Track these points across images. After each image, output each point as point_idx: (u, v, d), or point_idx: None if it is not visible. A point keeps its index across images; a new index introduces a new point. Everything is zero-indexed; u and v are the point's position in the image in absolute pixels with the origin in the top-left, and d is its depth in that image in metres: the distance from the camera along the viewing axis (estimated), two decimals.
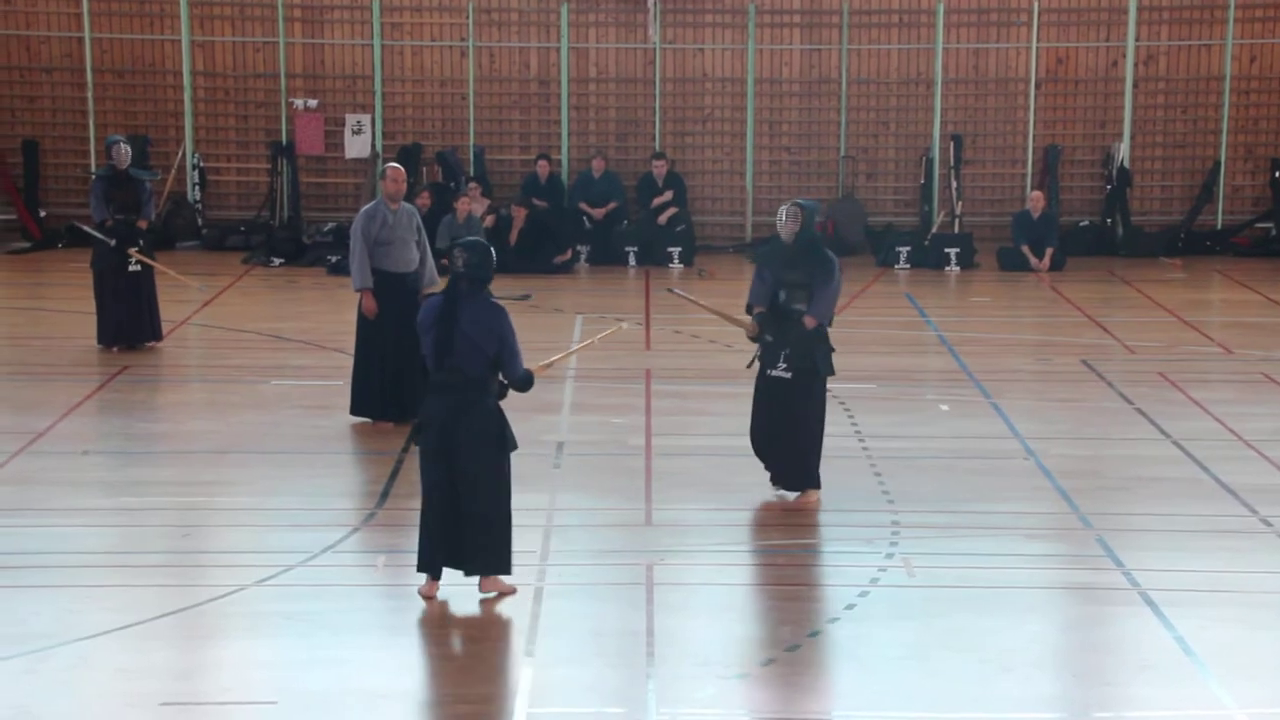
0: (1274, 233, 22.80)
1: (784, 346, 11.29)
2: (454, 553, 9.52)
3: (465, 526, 9.48)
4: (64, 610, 9.33)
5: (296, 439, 13.10)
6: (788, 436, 11.36)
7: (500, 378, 9.53)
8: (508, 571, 9.63)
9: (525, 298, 18.30)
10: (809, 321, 11.28)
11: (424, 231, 13.56)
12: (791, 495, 11.50)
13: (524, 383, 9.57)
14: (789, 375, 11.27)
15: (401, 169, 13.52)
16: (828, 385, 11.58)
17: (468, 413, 9.42)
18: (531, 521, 10.85)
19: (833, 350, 11.51)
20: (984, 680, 8.63)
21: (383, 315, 13.20)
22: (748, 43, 22.88)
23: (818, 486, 11.49)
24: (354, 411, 13.48)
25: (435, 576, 9.57)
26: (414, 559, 9.66)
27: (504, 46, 23.01)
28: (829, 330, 11.53)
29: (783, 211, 11.48)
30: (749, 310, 11.55)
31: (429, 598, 9.55)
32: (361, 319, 13.38)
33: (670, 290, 14.38)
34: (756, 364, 11.54)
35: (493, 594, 9.62)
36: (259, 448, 12.85)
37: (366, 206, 13.46)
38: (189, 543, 10.82)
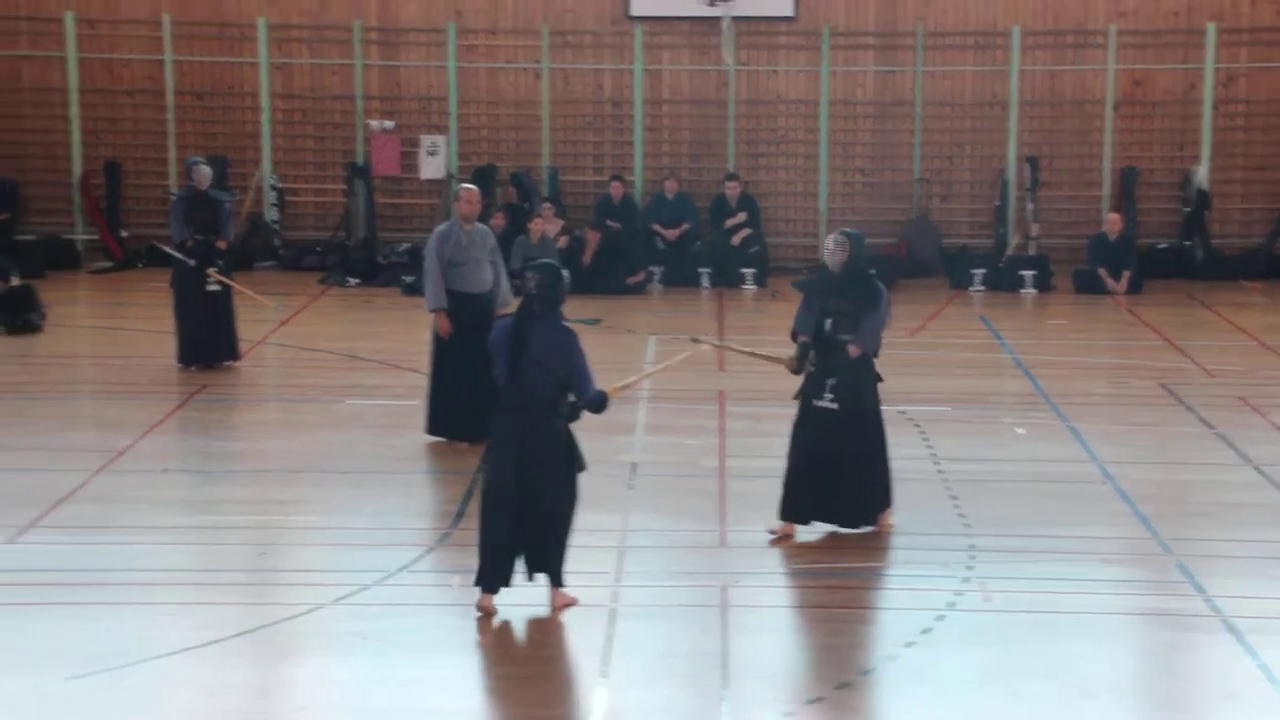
0: None
1: (830, 376, 11.15)
2: (530, 559, 9.61)
3: (533, 540, 9.53)
4: (143, 627, 9.42)
5: (372, 458, 13.16)
6: (851, 475, 11.09)
7: (571, 398, 9.55)
8: (561, 583, 9.71)
9: (595, 322, 18.31)
10: (853, 350, 11.06)
11: (499, 252, 13.61)
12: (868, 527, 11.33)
13: (597, 404, 9.58)
14: (835, 406, 11.07)
15: (475, 190, 13.56)
16: (881, 412, 11.27)
17: (536, 433, 9.46)
18: (605, 542, 10.86)
19: (879, 380, 11.27)
20: (1065, 706, 8.53)
21: (457, 335, 13.25)
22: (821, 64, 22.86)
23: (888, 505, 11.37)
24: (430, 431, 13.53)
25: (491, 590, 9.60)
26: None
27: (578, 68, 23.10)
28: (875, 360, 11.24)
29: (830, 240, 11.32)
30: (794, 337, 11.39)
31: (489, 612, 9.59)
32: (437, 339, 13.44)
33: (695, 340, 14.34)
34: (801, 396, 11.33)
35: (559, 607, 9.68)
36: (335, 467, 12.92)
37: (441, 227, 13.52)
38: (266, 561, 10.89)
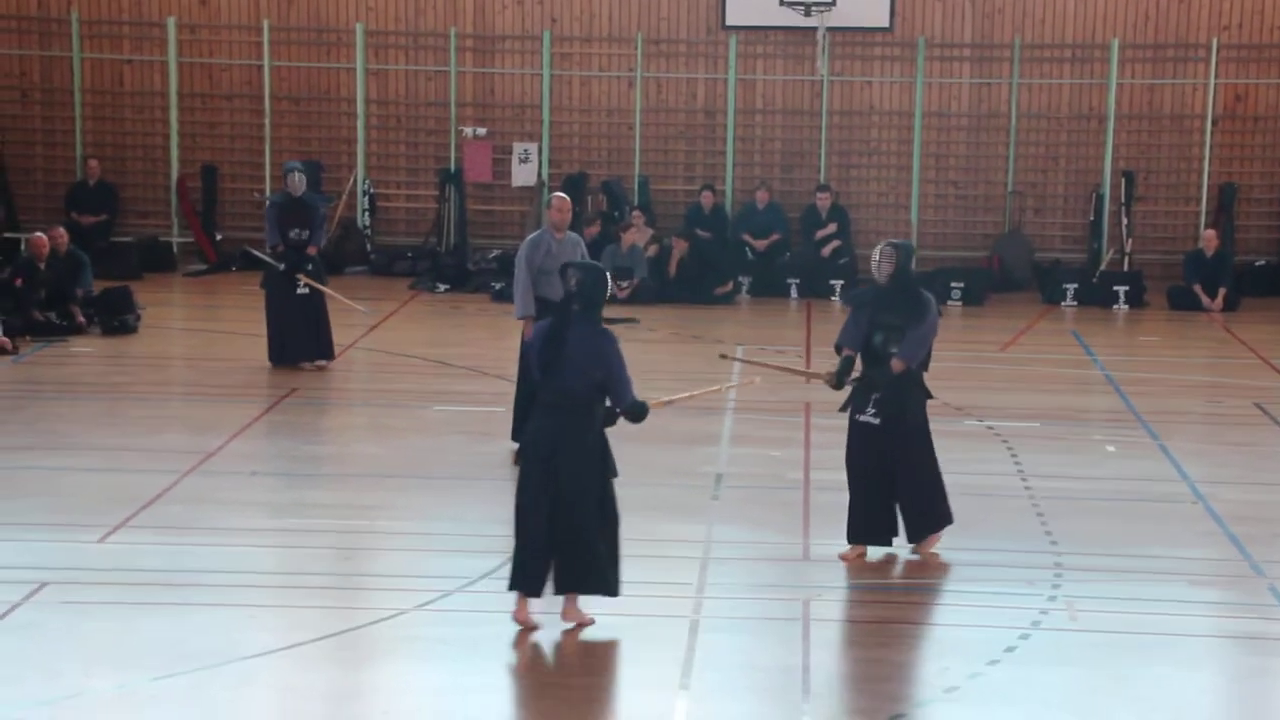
0: None
1: (875, 391, 10.98)
2: (558, 572, 9.49)
3: (563, 547, 9.44)
4: (228, 629, 9.49)
5: (459, 464, 13.21)
6: (904, 489, 10.90)
7: (609, 404, 9.48)
8: (612, 593, 9.53)
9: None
10: (896, 365, 10.83)
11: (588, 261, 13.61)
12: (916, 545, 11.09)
13: (636, 412, 9.43)
14: (877, 421, 10.86)
15: (567, 199, 13.57)
16: (929, 429, 11.05)
17: (570, 434, 9.37)
18: (688, 553, 10.84)
19: (929, 396, 11.06)
20: None
21: None
22: (916, 75, 22.74)
23: (948, 523, 11.10)
24: (515, 438, 13.56)
25: (528, 592, 9.51)
26: None
27: (671, 77, 23.10)
28: (923, 374, 11.00)
29: (877, 252, 11.08)
30: (838, 350, 11.14)
31: (527, 627, 9.52)
32: (525, 346, 13.47)
33: (724, 356, 14.26)
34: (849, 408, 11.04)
35: (572, 624, 9.57)
36: (421, 472, 12.99)
37: (532, 235, 13.55)
38: (351, 565, 10.96)
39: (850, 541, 10.98)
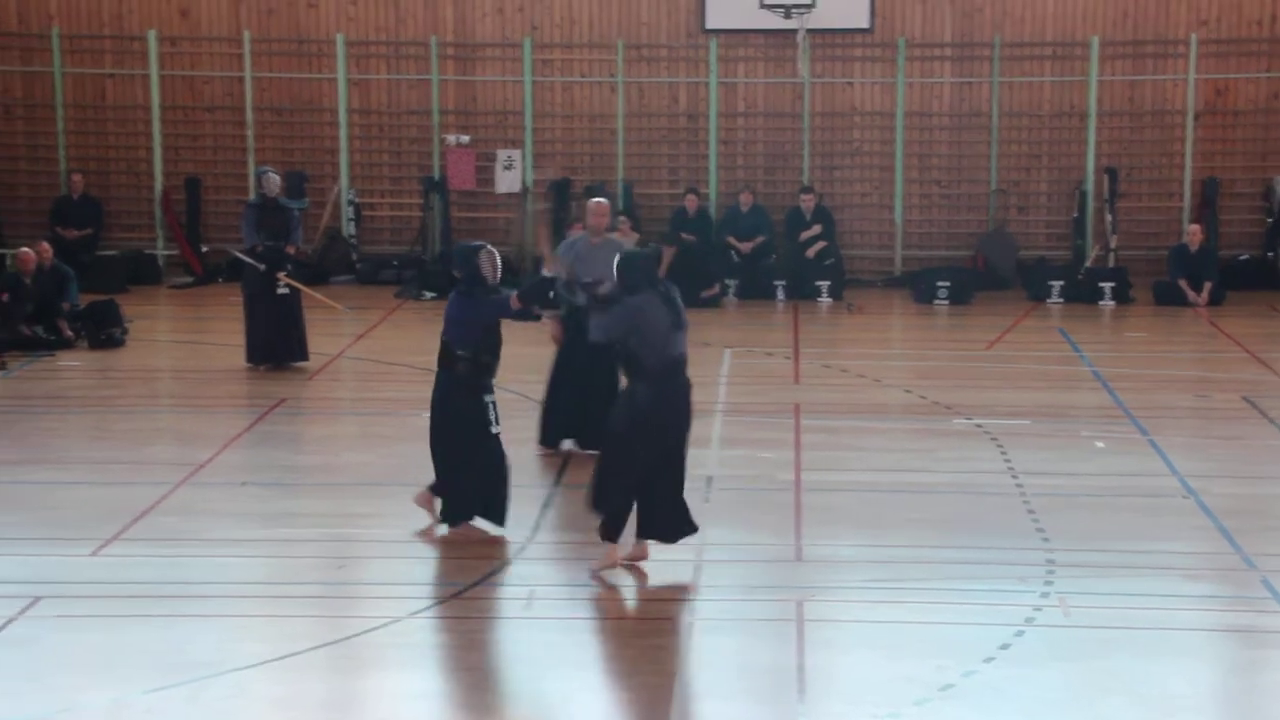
0: None
1: None
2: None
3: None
4: (222, 640, 9.48)
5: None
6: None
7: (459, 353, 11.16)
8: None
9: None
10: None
11: None
12: None
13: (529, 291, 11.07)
14: None
15: (605, 202, 13.41)
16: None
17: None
18: (681, 556, 10.84)
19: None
20: None
21: (571, 345, 13.24)
22: (897, 76, 22.78)
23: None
24: (546, 441, 13.50)
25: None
26: (561, 590, 9.98)
27: (653, 82, 23.12)
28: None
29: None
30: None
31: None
32: (558, 349, 13.44)
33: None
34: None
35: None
36: (411, 480, 12.93)
37: (568, 239, 13.55)
38: (343, 574, 10.95)
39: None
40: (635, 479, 10.41)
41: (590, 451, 12.35)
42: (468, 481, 11.21)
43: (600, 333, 10.57)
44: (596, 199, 13.56)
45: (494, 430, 11.20)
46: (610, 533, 10.47)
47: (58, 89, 23.16)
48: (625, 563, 10.59)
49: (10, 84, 23.34)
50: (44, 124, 23.34)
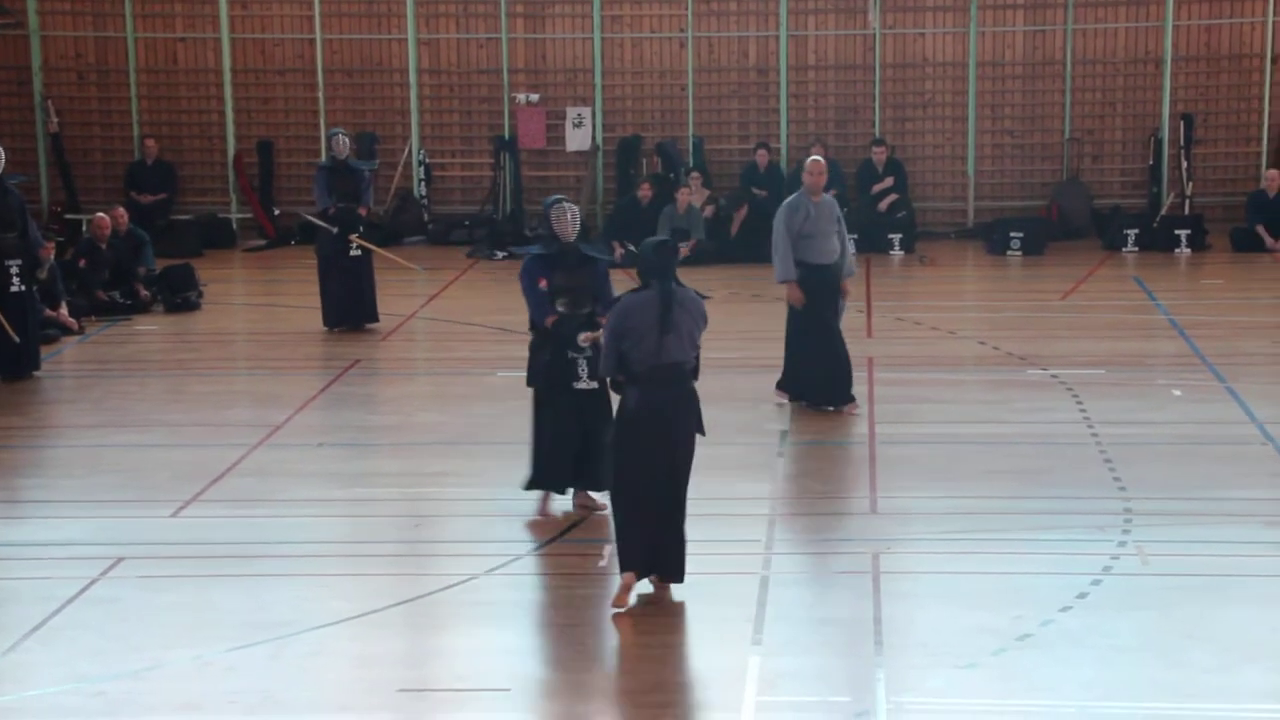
0: None
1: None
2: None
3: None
4: (301, 599, 9.58)
5: (523, 430, 13.17)
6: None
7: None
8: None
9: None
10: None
11: (844, 223, 13.57)
12: None
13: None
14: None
15: (821, 160, 13.36)
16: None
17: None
18: (756, 510, 10.86)
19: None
20: (1225, 672, 8.38)
21: (810, 305, 13.26)
22: (969, 25, 22.55)
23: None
24: (799, 397, 13.53)
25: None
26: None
27: (722, 36, 23.01)
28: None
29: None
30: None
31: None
32: (792, 310, 13.45)
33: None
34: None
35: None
36: (486, 439, 13.04)
37: (790, 199, 13.45)
38: (420, 533, 11.03)
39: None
40: (631, 498, 9.43)
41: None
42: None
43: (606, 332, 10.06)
44: (813, 158, 13.49)
45: (579, 386, 11.03)
46: (621, 562, 9.56)
47: (130, 54, 23.32)
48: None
49: (83, 50, 23.52)
50: (117, 89, 23.51)
